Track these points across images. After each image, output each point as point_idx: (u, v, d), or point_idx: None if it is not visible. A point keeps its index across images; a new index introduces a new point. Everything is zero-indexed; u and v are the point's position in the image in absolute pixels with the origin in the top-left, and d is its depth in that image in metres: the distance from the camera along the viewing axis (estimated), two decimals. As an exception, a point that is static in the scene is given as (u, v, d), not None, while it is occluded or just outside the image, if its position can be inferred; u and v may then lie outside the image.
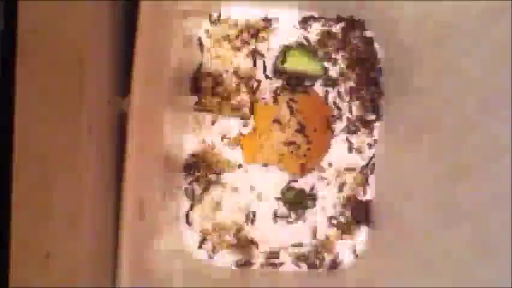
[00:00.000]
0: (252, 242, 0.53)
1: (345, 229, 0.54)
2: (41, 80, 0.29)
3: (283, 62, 0.54)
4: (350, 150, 0.55)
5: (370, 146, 0.55)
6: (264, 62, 0.54)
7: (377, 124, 0.55)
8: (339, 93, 0.55)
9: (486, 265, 0.37)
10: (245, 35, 0.54)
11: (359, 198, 0.55)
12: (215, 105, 0.53)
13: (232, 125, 0.54)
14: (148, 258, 0.41)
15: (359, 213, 0.54)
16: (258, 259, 0.53)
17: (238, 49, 0.54)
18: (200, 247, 0.53)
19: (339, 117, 0.55)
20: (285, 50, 0.54)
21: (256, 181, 0.54)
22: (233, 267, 0.53)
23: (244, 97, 0.54)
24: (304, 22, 0.55)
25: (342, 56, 0.55)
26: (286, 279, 0.53)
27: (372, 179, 0.55)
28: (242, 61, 0.54)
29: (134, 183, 0.33)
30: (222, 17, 0.54)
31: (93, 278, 0.34)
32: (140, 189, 0.36)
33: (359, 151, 0.55)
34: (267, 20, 0.54)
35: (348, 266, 0.54)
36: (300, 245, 0.54)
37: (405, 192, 0.49)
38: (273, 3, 0.54)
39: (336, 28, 0.55)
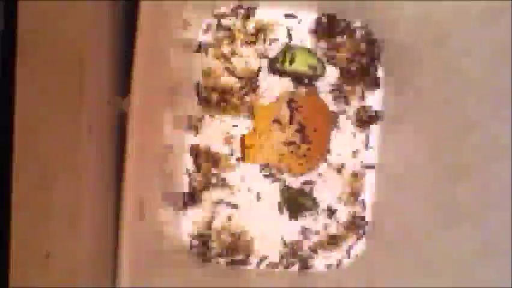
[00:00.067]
0: (251, 242, 0.53)
1: (345, 229, 0.54)
2: (41, 80, 0.29)
3: (283, 62, 0.54)
4: (350, 150, 0.55)
5: (370, 146, 0.55)
6: (264, 62, 0.54)
7: (377, 124, 0.55)
8: (339, 93, 0.55)
9: (486, 265, 0.37)
10: (246, 35, 0.54)
11: (359, 198, 0.55)
12: (215, 105, 0.53)
13: (232, 125, 0.54)
14: (148, 258, 0.41)
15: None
16: (256, 259, 0.53)
17: (239, 49, 0.54)
18: (200, 247, 0.53)
19: (339, 117, 0.55)
20: (285, 50, 0.54)
21: (256, 181, 0.54)
22: (231, 267, 0.53)
23: (244, 97, 0.54)
24: (305, 22, 0.55)
25: (342, 55, 0.55)
26: (284, 279, 0.53)
27: (372, 179, 0.55)
28: (242, 61, 0.54)
29: (134, 183, 0.33)
30: (222, 17, 0.54)
31: (93, 278, 0.34)
32: (140, 189, 0.36)
33: (359, 151, 0.55)
34: (267, 20, 0.54)
35: (348, 266, 0.54)
36: (299, 245, 0.54)
37: (405, 192, 0.49)
38: (273, 3, 0.54)
39: (336, 28, 0.55)
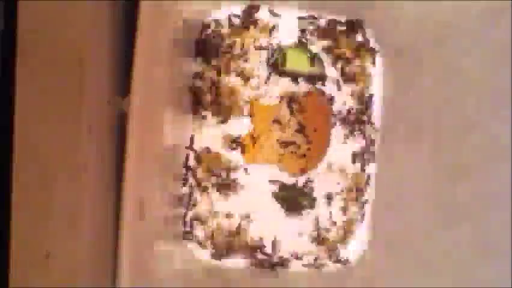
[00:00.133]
0: (252, 242, 0.53)
1: (345, 229, 0.54)
2: (41, 80, 0.29)
3: (282, 62, 0.54)
4: (350, 150, 0.55)
5: (370, 146, 0.55)
6: (264, 62, 0.54)
7: (377, 124, 0.55)
8: (338, 93, 0.55)
9: (486, 265, 0.37)
10: (245, 35, 0.54)
11: (359, 198, 0.55)
12: (215, 105, 0.53)
13: (232, 125, 0.54)
14: (148, 258, 0.41)
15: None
16: (258, 259, 0.53)
17: (239, 49, 0.54)
18: (200, 247, 0.53)
19: (339, 117, 0.55)
20: (284, 50, 0.54)
21: (256, 181, 0.54)
22: (232, 267, 0.53)
23: (244, 97, 0.54)
24: (304, 22, 0.55)
25: (342, 56, 0.55)
26: (284, 279, 0.53)
27: (372, 178, 0.55)
28: (242, 61, 0.54)
29: (134, 183, 0.33)
30: (223, 16, 0.54)
31: (93, 278, 0.34)
32: (140, 189, 0.36)
33: (359, 151, 0.55)
34: (267, 20, 0.54)
35: (348, 266, 0.54)
36: (299, 244, 0.54)
37: (405, 192, 0.49)
38: (273, 2, 0.54)
39: (336, 28, 0.55)
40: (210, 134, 0.53)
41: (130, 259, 0.33)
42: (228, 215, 0.53)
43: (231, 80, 0.54)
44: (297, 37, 0.55)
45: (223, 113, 0.53)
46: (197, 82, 0.53)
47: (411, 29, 0.49)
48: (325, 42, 0.55)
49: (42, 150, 0.29)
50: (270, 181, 0.54)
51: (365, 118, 0.55)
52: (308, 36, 0.55)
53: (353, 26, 0.55)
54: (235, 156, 0.54)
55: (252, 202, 0.54)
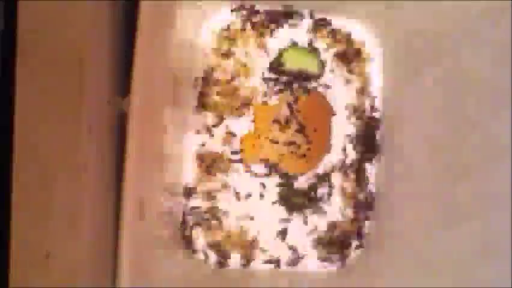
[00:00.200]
0: (251, 242, 0.53)
1: (345, 229, 0.54)
2: (41, 80, 0.29)
3: (282, 61, 0.54)
4: (350, 150, 0.55)
5: (370, 146, 0.55)
6: (263, 62, 0.54)
7: (376, 124, 0.55)
8: (339, 93, 0.55)
9: (486, 265, 0.37)
10: (245, 35, 0.54)
11: (359, 198, 0.55)
12: (215, 105, 0.53)
13: (232, 125, 0.54)
14: (148, 258, 0.41)
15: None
16: (259, 259, 0.53)
17: (238, 48, 0.54)
18: (200, 247, 0.53)
19: (339, 117, 0.55)
20: (284, 50, 0.54)
21: (255, 181, 0.54)
22: (232, 267, 0.53)
23: (244, 97, 0.54)
24: (304, 21, 0.55)
25: (341, 55, 0.55)
26: (284, 279, 0.53)
27: (372, 178, 0.55)
28: (242, 60, 0.54)
29: (134, 183, 0.33)
30: (223, 16, 0.54)
31: (93, 278, 0.34)
32: (140, 189, 0.36)
33: (359, 151, 0.55)
34: (268, 20, 0.54)
35: (348, 265, 0.54)
36: (299, 244, 0.54)
37: (406, 192, 0.49)
38: (273, 2, 0.54)
39: (336, 27, 0.55)
40: (210, 134, 0.53)
41: (130, 259, 0.33)
42: (228, 215, 0.53)
43: (231, 80, 0.54)
44: (297, 37, 0.55)
45: (223, 112, 0.53)
46: (197, 82, 0.53)
47: (411, 29, 0.49)
48: (325, 42, 0.55)
49: (42, 150, 0.29)
50: (270, 181, 0.54)
51: (364, 118, 0.55)
52: (308, 36, 0.55)
53: (353, 26, 0.55)
54: (235, 156, 0.54)
55: (252, 202, 0.54)
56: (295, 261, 0.54)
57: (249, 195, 0.54)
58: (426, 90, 0.48)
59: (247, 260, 0.53)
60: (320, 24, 0.55)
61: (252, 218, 0.53)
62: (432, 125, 0.46)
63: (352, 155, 0.55)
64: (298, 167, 0.54)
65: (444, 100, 0.45)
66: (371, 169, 0.55)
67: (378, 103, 0.55)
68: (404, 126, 0.51)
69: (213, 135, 0.53)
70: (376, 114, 0.55)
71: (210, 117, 0.53)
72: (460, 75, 0.43)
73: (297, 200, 0.54)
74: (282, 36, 0.54)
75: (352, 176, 0.55)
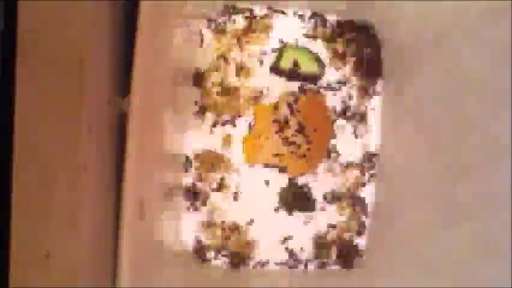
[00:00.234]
0: (251, 242, 0.53)
1: (345, 229, 0.54)
2: (41, 80, 0.29)
3: (282, 62, 0.54)
4: (350, 150, 0.55)
5: (370, 146, 0.55)
6: (263, 62, 0.54)
7: (377, 124, 0.55)
8: (339, 93, 0.55)
9: (486, 265, 0.37)
10: (245, 34, 0.54)
11: (359, 198, 0.55)
12: (215, 105, 0.53)
13: (232, 125, 0.54)
14: (148, 258, 0.41)
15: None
16: (256, 259, 0.53)
17: (238, 48, 0.54)
18: (200, 247, 0.53)
19: (339, 117, 0.55)
20: (283, 50, 0.54)
21: (255, 181, 0.54)
22: (231, 267, 0.53)
23: (244, 97, 0.54)
24: (304, 21, 0.55)
25: (341, 55, 0.55)
26: (284, 279, 0.53)
27: (372, 178, 0.55)
28: (242, 60, 0.54)
29: (134, 183, 0.33)
30: (223, 16, 0.54)
31: (93, 278, 0.34)
32: (140, 189, 0.36)
33: (359, 151, 0.55)
34: (267, 20, 0.54)
35: (348, 266, 0.54)
36: (299, 245, 0.54)
37: (405, 192, 0.49)
38: (273, 2, 0.54)
39: (335, 27, 0.55)
40: (210, 134, 0.53)
41: (130, 259, 0.33)
42: (228, 216, 0.53)
43: (231, 80, 0.54)
44: (297, 37, 0.55)
45: (223, 112, 0.53)
46: (197, 82, 0.53)
47: (411, 29, 0.49)
48: (325, 42, 0.55)
49: (42, 150, 0.29)
50: (270, 181, 0.54)
51: (365, 118, 0.55)
52: (308, 36, 0.55)
53: (353, 26, 0.55)
54: (235, 156, 0.54)
55: (252, 203, 0.54)
56: (295, 261, 0.54)
57: (248, 195, 0.54)
58: (426, 91, 0.48)
59: (247, 260, 0.53)
60: (320, 24, 0.55)
61: (251, 218, 0.53)
62: (433, 125, 0.46)
63: (351, 155, 0.55)
64: (298, 167, 0.54)
65: (445, 100, 0.45)
66: (370, 169, 0.55)
67: (378, 103, 0.55)
68: (404, 126, 0.51)
69: (213, 135, 0.53)
70: (376, 115, 0.55)
71: (210, 117, 0.53)
72: (460, 75, 0.43)
73: (296, 200, 0.54)
74: (282, 36, 0.54)
75: (352, 176, 0.55)
